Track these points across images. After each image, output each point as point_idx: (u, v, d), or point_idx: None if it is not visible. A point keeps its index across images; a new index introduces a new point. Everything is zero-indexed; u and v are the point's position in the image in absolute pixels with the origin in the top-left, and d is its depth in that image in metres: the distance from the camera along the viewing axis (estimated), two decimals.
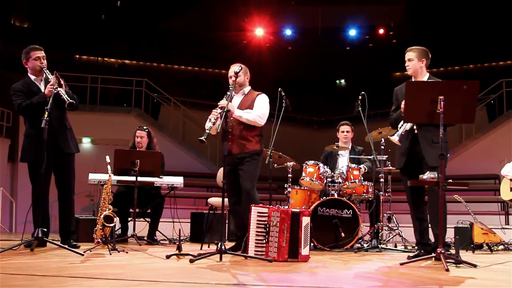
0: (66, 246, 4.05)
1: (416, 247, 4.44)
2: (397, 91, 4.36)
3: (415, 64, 4.19)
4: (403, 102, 3.96)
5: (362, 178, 5.58)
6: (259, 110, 4.44)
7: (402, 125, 4.08)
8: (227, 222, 6.52)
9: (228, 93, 4.20)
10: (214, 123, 4.12)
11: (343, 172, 5.58)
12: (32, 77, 4.51)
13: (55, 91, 4.19)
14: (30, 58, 4.45)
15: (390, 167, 5.79)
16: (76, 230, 5.59)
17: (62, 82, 4.33)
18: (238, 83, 4.42)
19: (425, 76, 4.22)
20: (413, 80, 4.27)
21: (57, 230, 4.67)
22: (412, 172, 4.09)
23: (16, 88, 4.50)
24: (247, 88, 4.58)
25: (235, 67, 4.35)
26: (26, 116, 4.51)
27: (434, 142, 3.99)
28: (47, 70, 4.37)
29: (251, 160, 4.43)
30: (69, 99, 4.17)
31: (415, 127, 4.11)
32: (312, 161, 5.63)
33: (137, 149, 5.86)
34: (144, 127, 6.08)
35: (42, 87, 4.48)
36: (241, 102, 4.48)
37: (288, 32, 16.03)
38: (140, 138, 5.91)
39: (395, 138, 4.07)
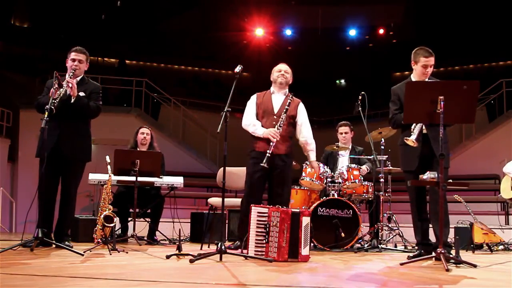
0: (67, 247, 4.05)
1: (416, 247, 4.44)
2: (397, 90, 4.28)
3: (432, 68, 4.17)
4: None
5: (362, 178, 5.58)
6: (311, 134, 4.71)
7: (415, 125, 3.99)
8: (227, 222, 6.51)
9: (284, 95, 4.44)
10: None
11: (343, 172, 5.58)
12: (67, 77, 4.54)
13: (56, 94, 4.18)
14: (68, 58, 4.56)
15: (390, 167, 5.78)
16: (76, 230, 5.60)
17: (65, 83, 4.31)
18: (287, 80, 4.53)
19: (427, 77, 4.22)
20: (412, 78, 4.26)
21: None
22: (422, 173, 4.03)
23: (46, 84, 4.59)
24: (287, 89, 4.62)
25: (285, 65, 4.59)
26: (38, 112, 4.52)
27: (444, 142, 3.96)
28: (73, 73, 4.40)
29: (287, 165, 4.54)
30: (52, 106, 4.01)
31: (424, 127, 4.06)
32: None
33: (138, 148, 5.87)
34: (146, 126, 6.16)
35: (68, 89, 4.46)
36: (283, 103, 4.48)
37: (288, 32, 16.04)
38: (145, 135, 5.94)
39: (413, 138, 3.91)
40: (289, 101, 4.53)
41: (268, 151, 4.21)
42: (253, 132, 4.33)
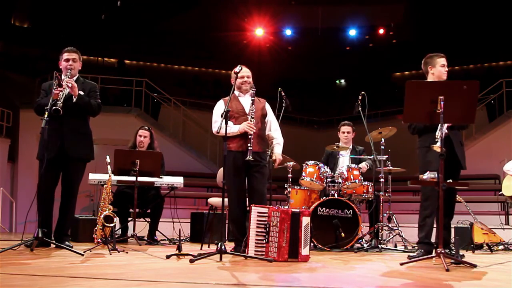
0: (67, 247, 4.05)
1: (416, 247, 4.45)
2: None
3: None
4: None
5: (362, 178, 5.58)
6: (279, 130, 4.71)
7: (439, 130, 3.86)
8: (227, 222, 6.51)
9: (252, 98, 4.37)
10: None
11: (343, 172, 5.58)
12: (63, 77, 4.54)
13: (57, 92, 4.19)
14: (61, 59, 4.54)
15: (390, 167, 5.78)
16: (76, 230, 5.60)
17: (65, 83, 4.31)
18: (251, 84, 4.49)
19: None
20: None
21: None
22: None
23: (43, 86, 4.60)
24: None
25: (246, 69, 4.47)
26: (37, 114, 4.51)
27: (461, 144, 4.21)
28: (69, 72, 4.38)
29: (266, 163, 4.52)
30: (57, 106, 4.04)
31: (446, 130, 4.05)
32: (312, 161, 5.63)
33: (138, 149, 5.86)
34: (147, 127, 6.10)
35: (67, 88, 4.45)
36: (253, 104, 4.48)
37: (288, 32, 16.02)
38: (143, 137, 5.91)
39: (438, 144, 3.83)
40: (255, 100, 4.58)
41: (249, 144, 4.22)
42: (229, 133, 4.29)
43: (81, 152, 4.55)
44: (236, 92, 4.49)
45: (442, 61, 4.31)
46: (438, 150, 3.88)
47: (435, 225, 4.14)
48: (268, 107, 4.66)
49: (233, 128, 4.30)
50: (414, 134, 4.41)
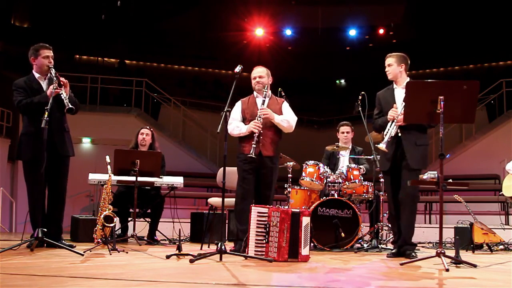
0: (66, 246, 4.05)
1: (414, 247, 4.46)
2: (379, 96, 4.48)
3: (395, 68, 4.33)
4: (391, 109, 4.09)
5: (362, 178, 5.58)
6: (293, 120, 4.59)
7: (387, 132, 4.14)
8: (227, 222, 6.51)
9: (264, 98, 4.45)
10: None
11: (343, 172, 5.58)
12: (36, 75, 4.51)
13: (60, 93, 4.19)
14: (39, 56, 4.46)
15: None
16: (76, 230, 5.60)
17: (63, 83, 4.31)
18: (263, 84, 4.51)
19: (405, 80, 4.30)
20: (394, 84, 4.39)
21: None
22: (395, 174, 4.24)
23: (18, 84, 4.50)
24: (269, 91, 4.60)
25: (259, 69, 4.57)
26: (25, 114, 4.49)
27: (417, 145, 4.15)
28: (54, 70, 4.36)
29: (275, 167, 4.54)
30: (69, 104, 4.13)
31: (398, 131, 4.16)
32: (312, 161, 5.62)
33: (139, 148, 5.87)
34: (148, 127, 6.14)
35: (44, 86, 4.47)
36: (268, 106, 4.50)
37: (288, 32, 16.03)
38: (145, 135, 5.92)
39: (382, 146, 4.12)
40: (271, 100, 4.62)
41: (252, 142, 4.28)
42: (239, 134, 4.44)
43: (68, 148, 4.58)
44: (255, 93, 4.56)
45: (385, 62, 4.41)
46: (382, 149, 4.12)
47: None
48: (285, 107, 4.65)
49: (242, 129, 4.41)
50: (377, 133, 4.53)
